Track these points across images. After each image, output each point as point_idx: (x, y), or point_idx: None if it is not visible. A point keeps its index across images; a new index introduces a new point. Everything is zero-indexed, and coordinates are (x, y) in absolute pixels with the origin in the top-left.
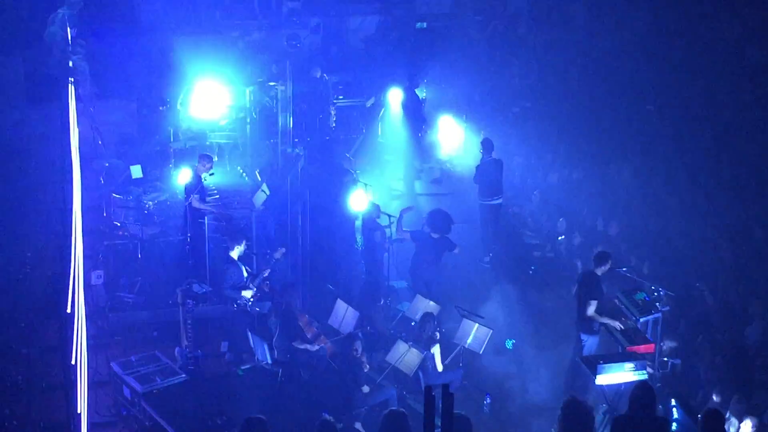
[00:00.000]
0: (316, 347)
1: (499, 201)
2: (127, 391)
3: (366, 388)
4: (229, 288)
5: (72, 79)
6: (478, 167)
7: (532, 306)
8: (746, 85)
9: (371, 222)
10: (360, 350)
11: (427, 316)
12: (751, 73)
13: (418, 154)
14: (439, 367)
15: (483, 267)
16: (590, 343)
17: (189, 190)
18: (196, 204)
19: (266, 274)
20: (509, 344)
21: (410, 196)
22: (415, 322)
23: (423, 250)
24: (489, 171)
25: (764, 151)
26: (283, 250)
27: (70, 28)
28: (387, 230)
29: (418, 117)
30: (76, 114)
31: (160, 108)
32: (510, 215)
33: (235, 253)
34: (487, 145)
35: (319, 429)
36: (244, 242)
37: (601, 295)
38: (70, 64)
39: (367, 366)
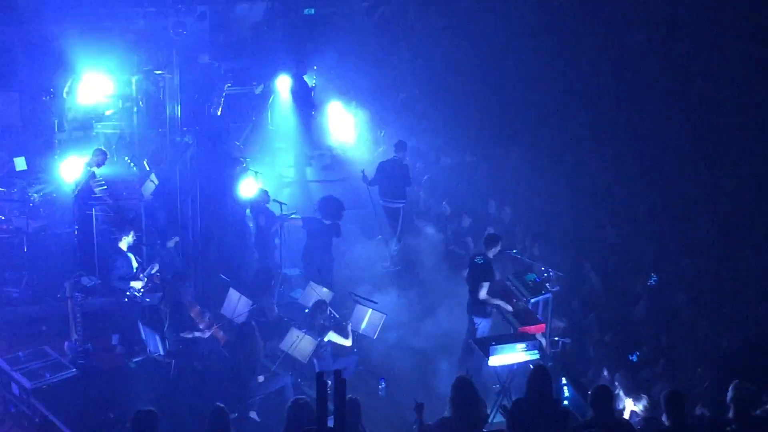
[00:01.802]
0: (207, 333)
1: (400, 205)
2: (15, 388)
3: (261, 378)
4: (117, 279)
5: None
6: (380, 164)
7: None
8: (628, 63)
9: (259, 207)
10: None
11: (319, 303)
12: (632, 50)
13: (308, 141)
14: (347, 342)
15: (385, 270)
16: (483, 326)
17: (78, 183)
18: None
19: (155, 269)
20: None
21: (301, 183)
22: (308, 309)
23: (314, 236)
24: (390, 171)
25: (646, 130)
26: (177, 239)
27: None
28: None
29: (307, 104)
30: None
31: (44, 98)
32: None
33: (123, 244)
34: (398, 147)
35: (211, 417)
36: (132, 233)
37: (492, 277)
38: None
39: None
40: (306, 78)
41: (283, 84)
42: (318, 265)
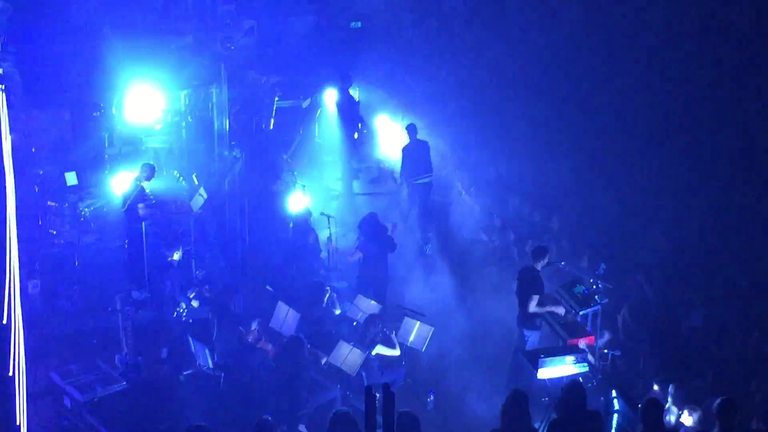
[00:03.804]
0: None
1: (428, 179)
2: (67, 401)
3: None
4: (170, 293)
5: (2, 87)
6: (404, 149)
7: (474, 300)
8: (680, 82)
9: (304, 224)
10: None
11: (372, 318)
12: (686, 70)
13: (354, 154)
14: (396, 352)
15: (425, 254)
16: (533, 338)
17: (127, 197)
18: (141, 212)
19: (192, 294)
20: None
21: (348, 196)
22: (357, 322)
23: (368, 257)
24: (415, 151)
25: (697, 144)
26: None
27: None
28: (327, 231)
29: (353, 117)
30: (9, 122)
31: (95, 113)
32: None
33: (174, 258)
34: (411, 129)
35: (257, 429)
36: (181, 248)
37: (541, 290)
38: (0, 71)
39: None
40: (352, 91)
41: (330, 97)
42: (374, 286)
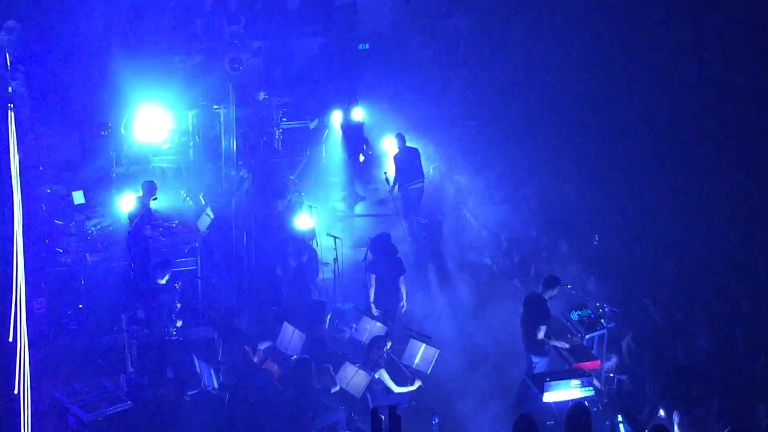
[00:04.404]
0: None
1: (420, 185)
2: (72, 420)
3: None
4: (165, 317)
5: (11, 105)
6: (395, 157)
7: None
8: (684, 99)
9: (302, 243)
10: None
11: (377, 339)
12: (690, 86)
13: (358, 179)
14: (394, 388)
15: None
16: (541, 364)
17: (133, 217)
18: (148, 233)
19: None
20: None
21: (349, 218)
22: (363, 343)
23: (381, 279)
24: (407, 158)
25: (704, 165)
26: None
27: (9, 54)
28: (333, 252)
29: (358, 139)
30: (17, 140)
31: (103, 133)
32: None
33: (163, 281)
34: (400, 138)
35: None
36: (168, 273)
37: (548, 319)
38: (10, 89)
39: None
40: (357, 112)
41: (336, 119)
42: (386, 307)
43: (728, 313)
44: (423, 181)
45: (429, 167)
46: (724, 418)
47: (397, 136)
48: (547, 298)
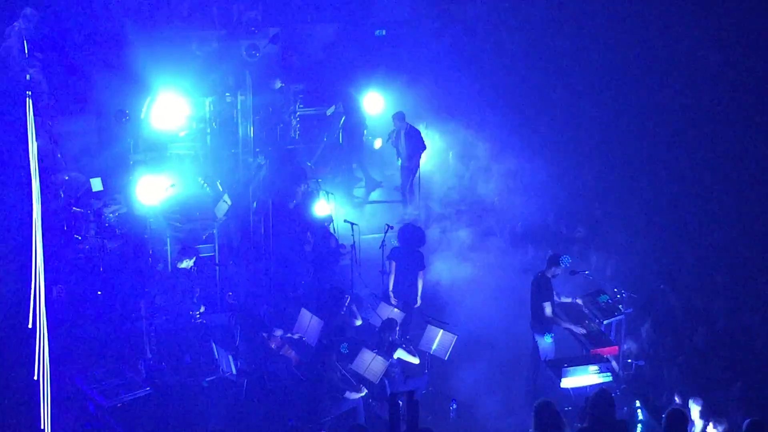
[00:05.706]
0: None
1: (417, 161)
2: (91, 406)
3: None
4: (188, 301)
5: (29, 93)
6: (390, 133)
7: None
8: (705, 88)
9: (323, 230)
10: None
11: (388, 321)
12: (710, 75)
13: (366, 165)
14: (414, 360)
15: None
16: (546, 344)
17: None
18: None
19: (202, 309)
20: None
21: (365, 204)
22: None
23: (402, 269)
24: (409, 134)
25: (723, 151)
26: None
27: (27, 42)
28: (351, 239)
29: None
30: (35, 127)
31: (122, 120)
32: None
33: (183, 265)
34: (399, 116)
35: None
36: (194, 258)
37: (551, 296)
38: (27, 77)
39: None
40: (374, 100)
41: (352, 105)
42: (405, 298)
43: (748, 295)
44: (418, 157)
45: (448, 153)
46: (744, 402)
47: (396, 116)
48: (550, 276)
